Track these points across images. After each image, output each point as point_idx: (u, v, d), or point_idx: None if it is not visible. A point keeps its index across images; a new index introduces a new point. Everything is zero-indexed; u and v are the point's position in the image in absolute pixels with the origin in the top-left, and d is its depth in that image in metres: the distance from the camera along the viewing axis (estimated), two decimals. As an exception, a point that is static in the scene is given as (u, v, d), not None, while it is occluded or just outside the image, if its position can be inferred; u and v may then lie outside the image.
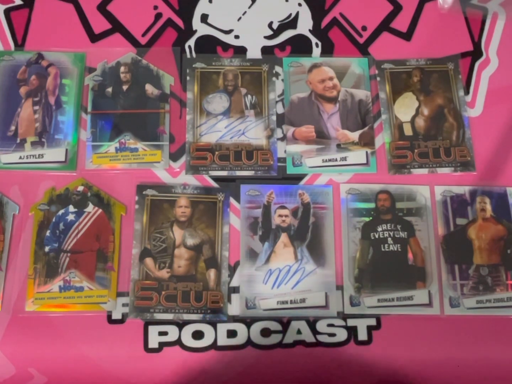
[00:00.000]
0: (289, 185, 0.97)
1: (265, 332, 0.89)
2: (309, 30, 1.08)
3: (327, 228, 0.94)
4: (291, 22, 1.09)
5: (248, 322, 0.90)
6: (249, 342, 0.89)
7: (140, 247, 0.92)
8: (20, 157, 0.96)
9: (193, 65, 1.04)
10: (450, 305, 0.90)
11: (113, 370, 0.87)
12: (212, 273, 0.91)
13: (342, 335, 0.90)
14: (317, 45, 1.07)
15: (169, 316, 0.89)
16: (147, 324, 0.89)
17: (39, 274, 0.90)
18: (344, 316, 0.90)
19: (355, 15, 1.09)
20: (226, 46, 1.07)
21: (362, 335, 0.89)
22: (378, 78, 1.04)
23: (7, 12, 1.07)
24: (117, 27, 1.07)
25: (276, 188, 0.96)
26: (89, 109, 1.00)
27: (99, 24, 1.07)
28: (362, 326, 0.90)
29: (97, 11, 1.08)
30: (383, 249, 0.93)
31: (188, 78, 1.03)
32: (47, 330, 0.88)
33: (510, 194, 0.97)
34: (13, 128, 0.98)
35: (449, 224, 0.95)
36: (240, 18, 1.09)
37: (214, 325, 0.89)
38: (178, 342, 0.89)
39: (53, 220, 0.93)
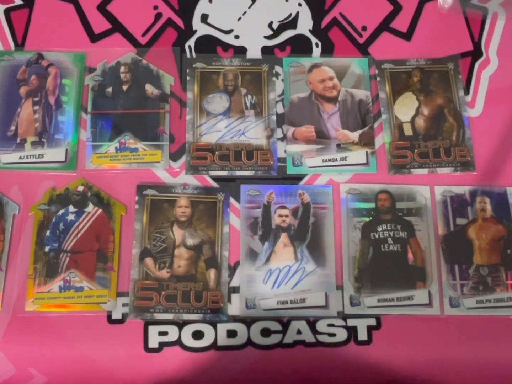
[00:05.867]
0: (289, 185, 0.97)
1: (265, 332, 0.89)
2: (309, 30, 1.08)
3: (327, 228, 0.94)
4: (291, 22, 1.09)
5: (248, 322, 0.90)
6: (249, 342, 0.89)
7: (140, 247, 0.92)
8: (20, 157, 0.96)
9: (193, 65, 1.04)
10: (450, 305, 0.90)
11: (113, 370, 0.87)
12: (212, 273, 0.91)
13: (342, 335, 0.90)
14: (317, 45, 1.07)
15: (169, 316, 0.89)
16: (147, 324, 0.89)
17: (39, 274, 0.90)
18: (344, 316, 0.90)
19: (355, 15, 1.09)
20: (226, 46, 1.07)
21: (362, 335, 0.90)
22: (378, 78, 1.04)
23: (7, 12, 1.07)
24: (117, 27, 1.07)
25: (276, 188, 0.96)
26: (89, 109, 1.00)
27: (99, 24, 1.07)
28: (362, 326, 0.90)
29: (97, 11, 1.08)
30: (383, 249, 0.93)
31: (188, 78, 1.03)
32: (47, 330, 0.88)
33: (510, 194, 0.97)
34: (13, 128, 0.98)
35: (449, 224, 0.95)
36: (240, 18, 1.09)
37: (214, 325, 0.89)
38: (178, 342, 0.89)
39: (53, 220, 0.93)
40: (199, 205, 0.95)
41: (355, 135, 1.00)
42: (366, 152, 0.99)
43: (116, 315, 0.89)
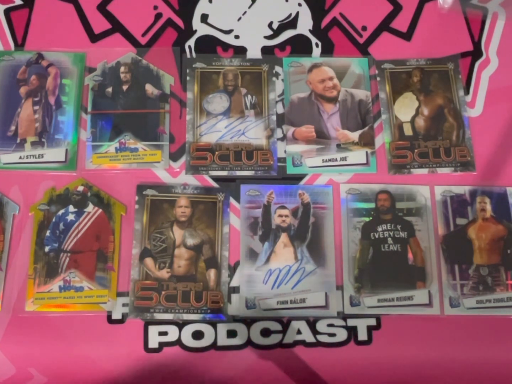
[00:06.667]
0: (289, 185, 0.97)
1: (265, 332, 0.89)
2: (309, 30, 1.08)
3: (327, 228, 0.94)
4: (291, 22, 1.09)
5: (248, 322, 0.90)
6: (249, 342, 0.89)
7: (140, 247, 0.92)
8: (20, 157, 0.96)
9: (193, 65, 1.04)
10: (450, 305, 0.90)
11: (113, 370, 0.87)
12: (212, 273, 0.91)
13: (342, 335, 0.90)
14: (317, 45, 1.07)
15: (169, 316, 0.89)
16: (147, 324, 0.89)
17: (39, 274, 0.90)
18: (344, 316, 0.90)
19: (355, 15, 1.09)
20: (226, 46, 1.07)
21: (362, 335, 0.90)
22: (378, 78, 1.04)
23: (7, 12, 1.07)
24: (117, 27, 1.07)
25: (276, 188, 0.96)
26: (89, 109, 1.00)
27: (99, 24, 1.07)
28: (362, 326, 0.90)
29: (97, 11, 1.08)
30: (383, 249, 0.93)
31: (188, 78, 1.03)
32: (47, 330, 0.88)
33: (510, 194, 0.97)
34: (13, 128, 0.98)
35: (449, 224, 0.95)
36: (240, 18, 1.09)
37: (214, 325, 0.90)
38: (178, 342, 0.89)
39: (53, 220, 0.93)
40: (199, 205, 0.95)
41: (355, 135, 1.00)
42: (366, 152, 0.99)
43: (116, 315, 0.89)
